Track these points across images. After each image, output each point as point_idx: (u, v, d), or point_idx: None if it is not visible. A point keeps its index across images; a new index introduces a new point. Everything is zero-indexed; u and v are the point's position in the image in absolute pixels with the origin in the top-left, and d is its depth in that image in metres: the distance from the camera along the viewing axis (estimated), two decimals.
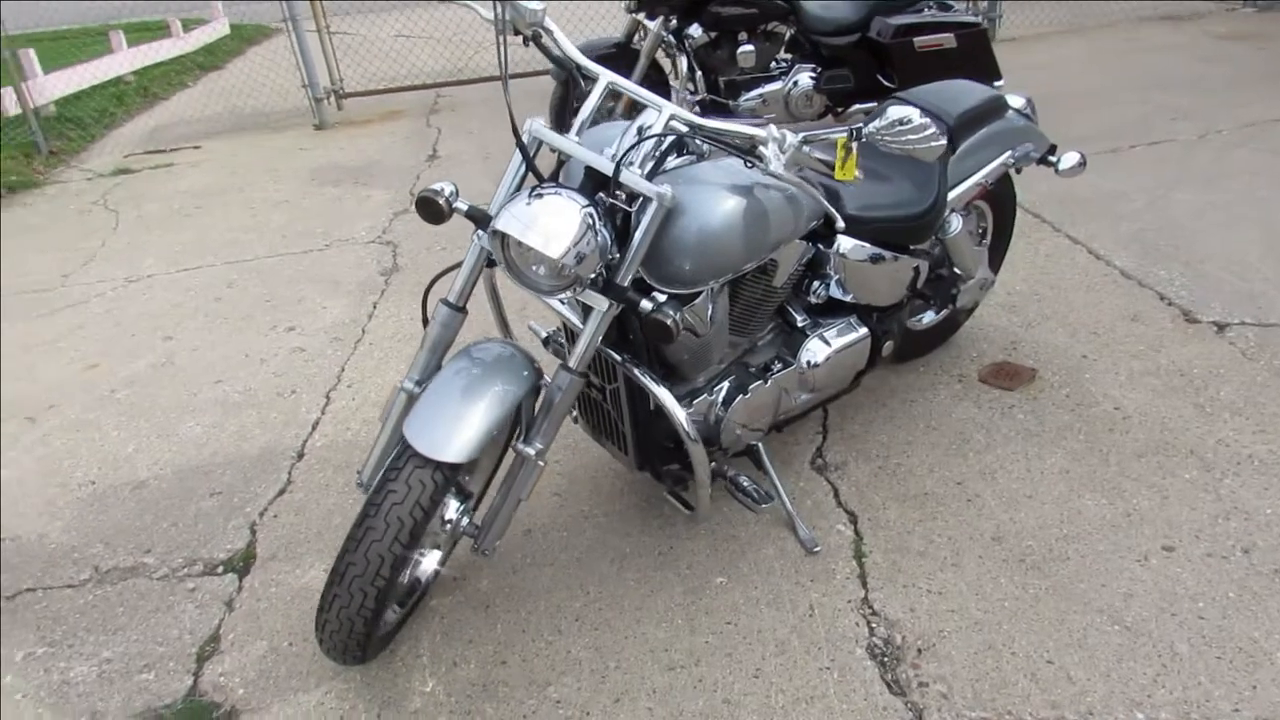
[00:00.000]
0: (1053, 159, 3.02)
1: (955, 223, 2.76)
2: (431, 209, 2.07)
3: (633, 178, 1.97)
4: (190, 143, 7.62)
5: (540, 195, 1.95)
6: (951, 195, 2.75)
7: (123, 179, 6.74)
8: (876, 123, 1.98)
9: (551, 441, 2.14)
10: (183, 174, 6.69)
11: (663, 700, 2.05)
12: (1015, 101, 2.99)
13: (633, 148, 2.04)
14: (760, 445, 2.61)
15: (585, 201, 1.97)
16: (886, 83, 5.56)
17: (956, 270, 2.97)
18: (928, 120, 1.98)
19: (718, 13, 5.30)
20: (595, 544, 2.54)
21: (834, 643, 2.16)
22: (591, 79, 2.12)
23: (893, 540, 2.46)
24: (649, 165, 2.04)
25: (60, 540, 2.76)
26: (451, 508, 2.15)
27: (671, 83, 5.54)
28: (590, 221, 1.94)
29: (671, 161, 2.12)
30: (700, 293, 2.15)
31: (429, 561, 2.21)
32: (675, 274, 2.06)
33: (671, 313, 2.00)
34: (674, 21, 5.31)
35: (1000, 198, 3.13)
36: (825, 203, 2.33)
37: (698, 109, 5.54)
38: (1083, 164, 3.01)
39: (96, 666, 2.32)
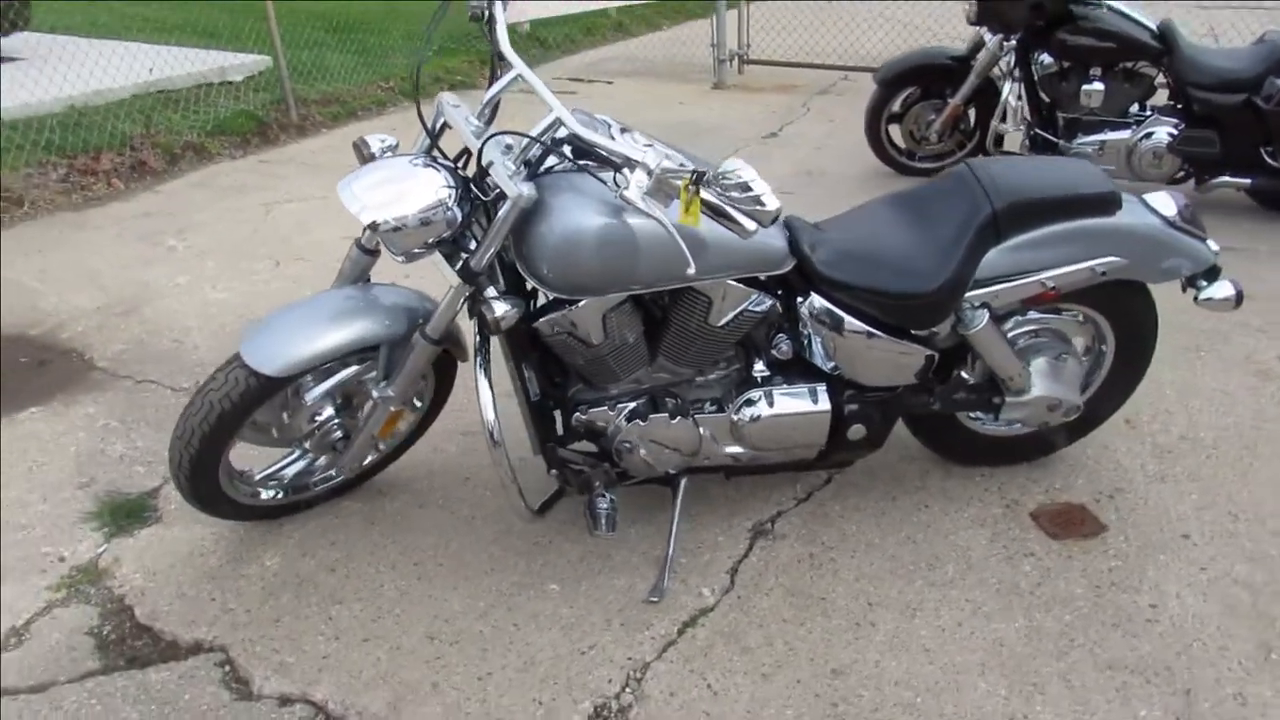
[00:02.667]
0: (1202, 283, 2.43)
1: (979, 318, 2.35)
2: (358, 155, 2.27)
3: (498, 170, 2.01)
4: (606, 77, 8.35)
5: (388, 162, 2.07)
6: (990, 289, 2.34)
7: (531, 98, 7.60)
8: (718, 170, 1.81)
9: (405, 390, 2.28)
10: (578, 103, 7.36)
11: (400, 655, 2.16)
12: (1159, 204, 2.42)
13: (532, 141, 2.05)
14: (681, 483, 2.50)
15: (444, 178, 2.04)
16: (1271, 159, 4.59)
17: (998, 376, 2.52)
18: (762, 188, 1.77)
19: (1067, 40, 4.69)
20: (478, 511, 2.63)
21: (574, 686, 2.09)
22: (507, 68, 2.15)
23: (735, 626, 2.25)
24: (523, 164, 2.04)
25: (203, 356, 3.42)
26: (323, 414, 2.37)
27: (1010, 107, 5.02)
28: (436, 196, 2.01)
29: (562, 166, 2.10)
30: (576, 302, 2.12)
31: (294, 461, 2.47)
32: (540, 276, 2.06)
33: (502, 309, 2.03)
34: (1014, 41, 4.79)
35: (1128, 314, 2.56)
36: (777, 248, 2.18)
37: (1026, 142, 5.00)
38: (1236, 300, 2.39)
39: (128, 449, 2.91)
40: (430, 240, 2.03)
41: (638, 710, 2.02)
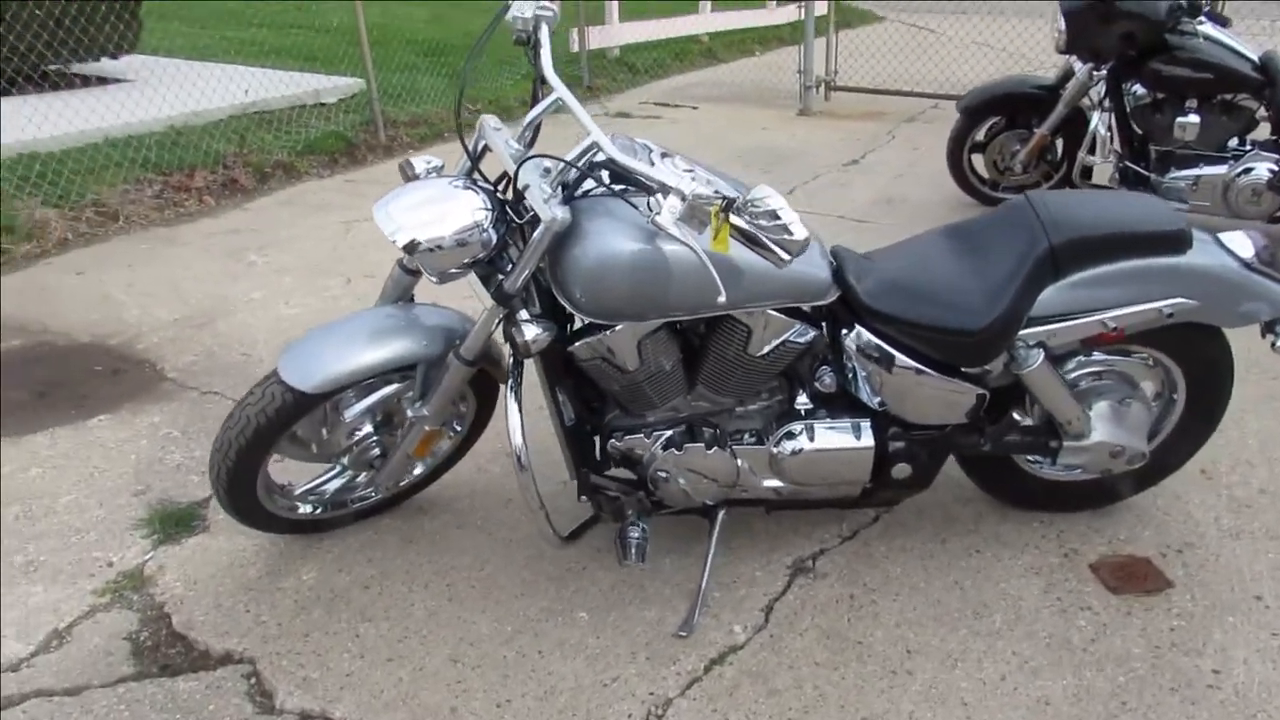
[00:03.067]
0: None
1: (1033, 358, 2.24)
2: (403, 176, 2.29)
3: (533, 193, 2.00)
4: (693, 102, 8.37)
5: (427, 183, 2.08)
6: (1046, 327, 2.23)
7: (615, 122, 7.69)
8: (747, 196, 1.77)
9: (440, 410, 2.28)
10: (657, 127, 7.44)
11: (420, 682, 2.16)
12: (1235, 244, 2.28)
13: (568, 165, 2.05)
14: (719, 515, 2.45)
15: (481, 200, 2.05)
16: None
17: (1055, 419, 2.40)
18: (790, 216, 1.72)
19: (1161, 70, 4.51)
20: (515, 534, 2.61)
21: (592, 719, 2.04)
22: (549, 91, 2.14)
23: (764, 666, 2.18)
24: (560, 187, 2.03)
25: (268, 369, 3.50)
26: (361, 431, 2.39)
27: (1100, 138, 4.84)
28: (473, 218, 2.01)
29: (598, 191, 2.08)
30: (611, 327, 2.10)
31: (334, 477, 2.49)
32: (574, 300, 2.05)
33: (532, 332, 2.02)
34: (1105, 71, 4.63)
35: (1199, 359, 2.42)
36: (815, 277, 2.14)
37: (1116, 175, 4.82)
38: None
39: (186, 458, 2.99)
40: (466, 261, 2.03)
41: None
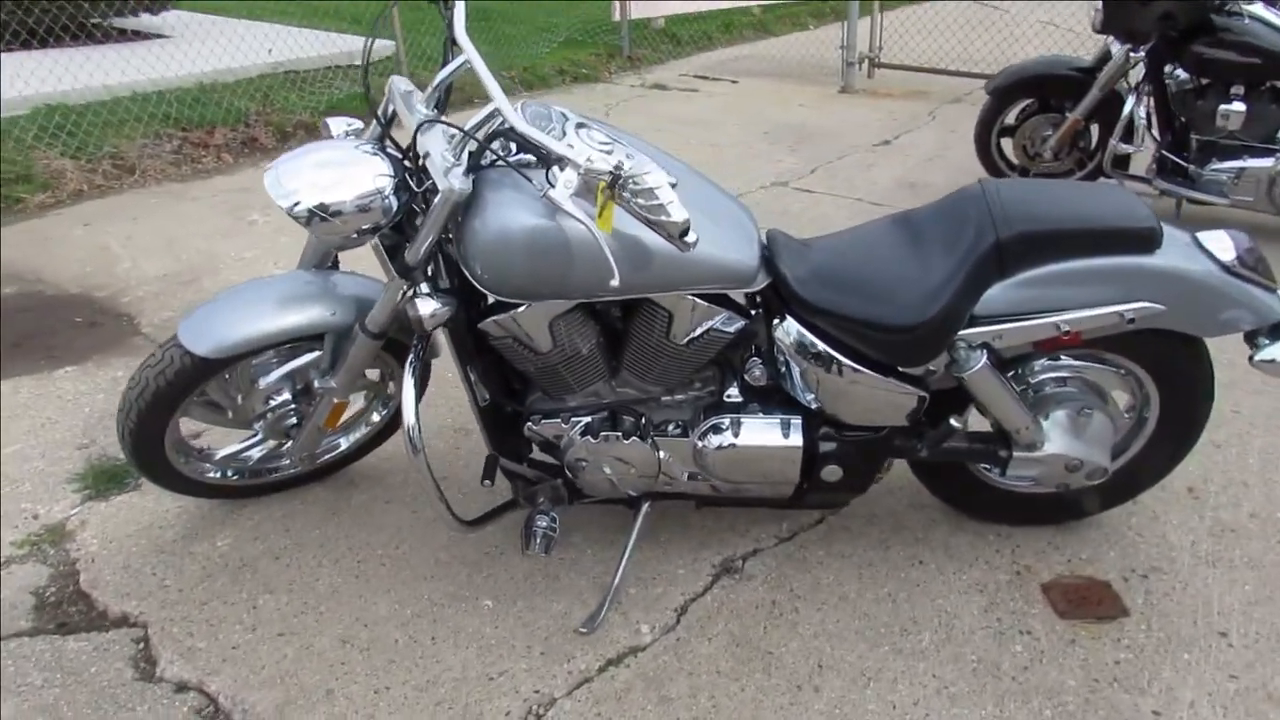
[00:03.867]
0: (1263, 341, 2.09)
1: (974, 359, 2.07)
2: (322, 135, 2.20)
3: (434, 161, 1.89)
4: (732, 76, 8.16)
5: (329, 144, 1.98)
6: (992, 328, 2.06)
7: (650, 94, 7.54)
8: (626, 171, 1.64)
9: (348, 382, 2.20)
10: (692, 100, 7.26)
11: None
12: (1216, 245, 2.08)
13: (464, 133, 1.92)
14: (643, 508, 2.33)
15: (385, 166, 1.94)
16: None
17: (1001, 427, 2.23)
18: (667, 196, 1.59)
19: (1204, 54, 4.21)
20: (416, 515, 2.53)
21: (468, 714, 1.96)
22: (459, 53, 2.02)
23: (662, 671, 2.07)
24: (467, 155, 1.92)
25: None
26: (277, 399, 2.31)
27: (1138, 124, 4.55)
28: (373, 184, 1.91)
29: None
30: (519, 305, 1.99)
31: (256, 445, 2.43)
32: (476, 276, 1.94)
33: (428, 307, 1.93)
34: (1143, 53, 4.34)
35: (1173, 370, 2.22)
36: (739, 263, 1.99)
37: (1153, 165, 4.53)
38: None
39: None
40: (365, 228, 1.93)
41: None
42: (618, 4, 8.55)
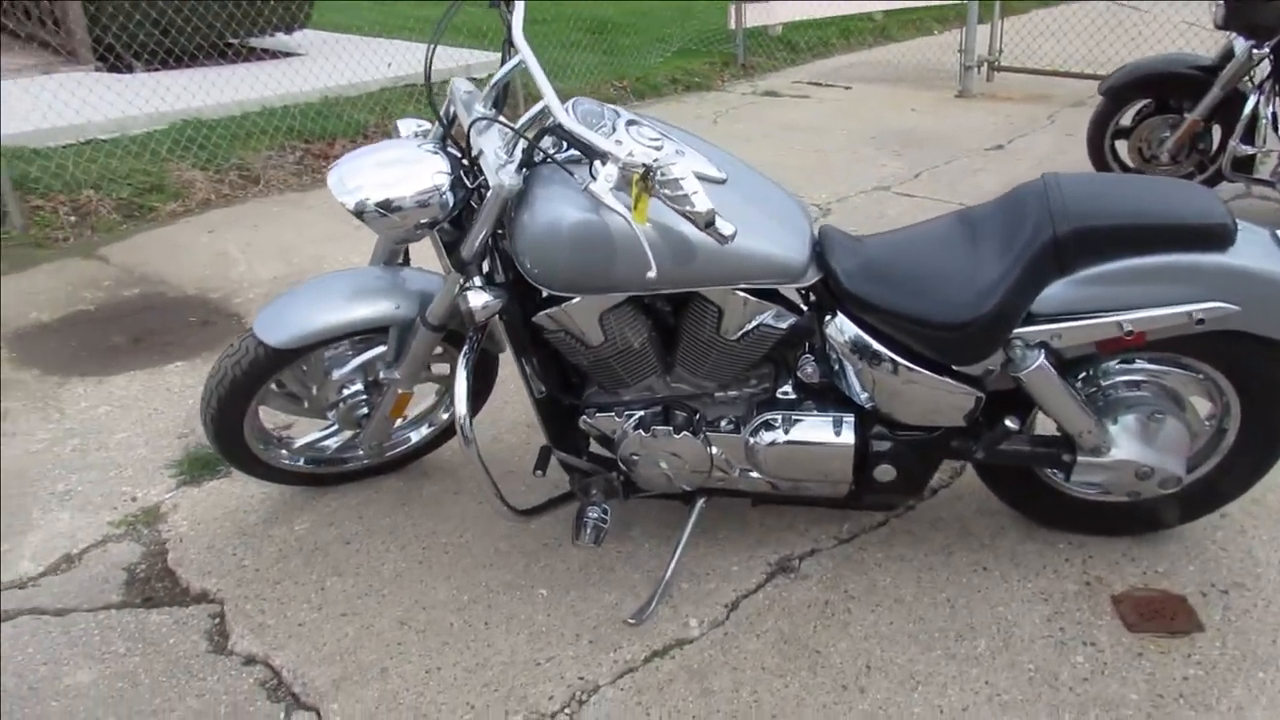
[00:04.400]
0: None
1: (1031, 359, 2.02)
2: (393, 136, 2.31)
3: (486, 158, 1.98)
4: (846, 82, 8.08)
5: (392, 144, 2.08)
6: (1050, 326, 2.00)
7: (761, 101, 7.54)
8: (655, 163, 1.68)
9: (411, 374, 2.31)
10: (802, 107, 7.23)
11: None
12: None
13: (515, 132, 1.99)
14: (698, 503, 2.36)
15: (442, 164, 2.03)
16: None
17: (1064, 430, 2.16)
18: (692, 186, 1.62)
19: None
20: (482, 506, 2.59)
21: (513, 696, 2.01)
22: (516, 55, 2.09)
23: (707, 664, 2.08)
24: (520, 152, 1.99)
25: None
26: (350, 389, 2.43)
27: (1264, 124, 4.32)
28: (431, 181, 2.00)
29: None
30: (571, 299, 2.05)
31: (334, 434, 2.56)
32: (527, 269, 2.01)
33: (479, 300, 2.01)
34: (1267, 49, 4.11)
35: (1254, 375, 2.11)
36: (772, 256, 1.99)
37: (1277, 168, 4.29)
38: None
39: None
40: (420, 224, 2.02)
41: None
42: (733, 11, 8.57)
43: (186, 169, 5.37)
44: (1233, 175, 4.31)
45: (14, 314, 3.83)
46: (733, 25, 8.71)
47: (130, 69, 6.64)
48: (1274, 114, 4.22)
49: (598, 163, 1.77)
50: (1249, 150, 4.19)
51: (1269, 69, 4.16)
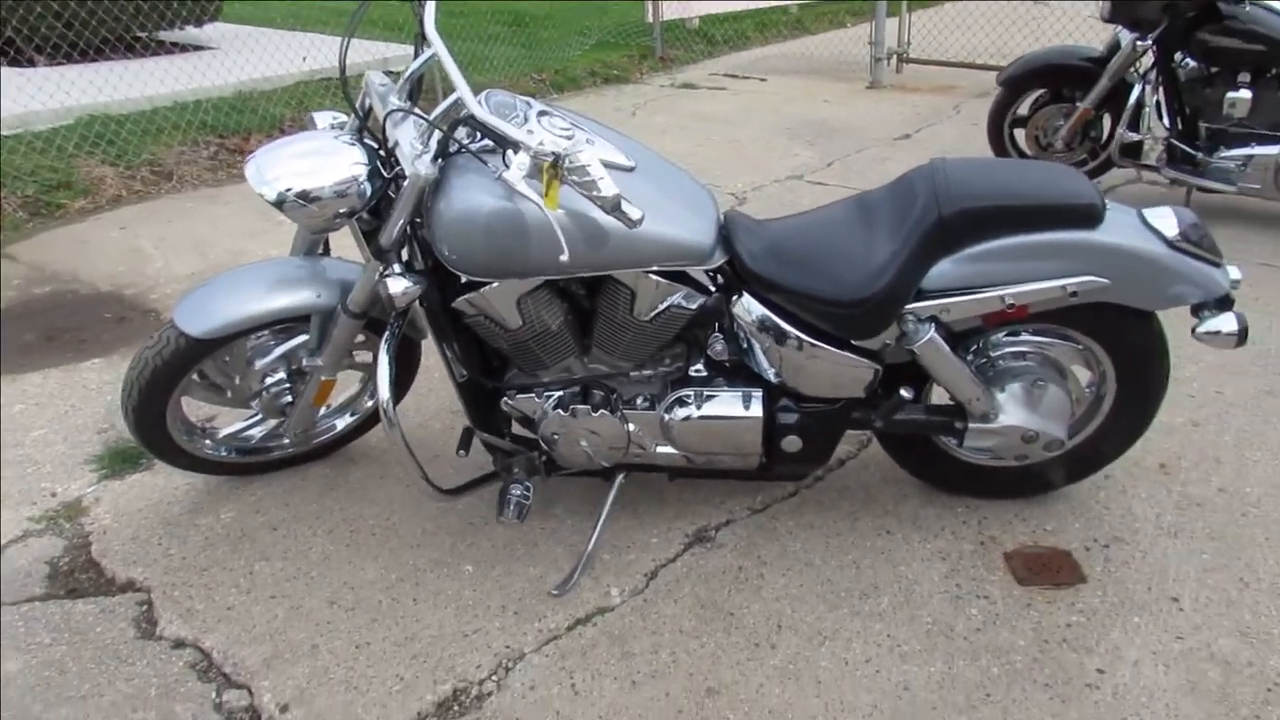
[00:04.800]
0: (1205, 314, 2.15)
1: (922, 332, 2.16)
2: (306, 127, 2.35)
3: (402, 148, 2.04)
4: (761, 74, 8.25)
5: (309, 135, 2.13)
6: (939, 301, 2.14)
7: (678, 93, 7.65)
8: (564, 151, 1.77)
9: (334, 361, 2.36)
10: (719, 98, 7.37)
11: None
12: (1160, 221, 2.14)
13: (429, 123, 2.05)
14: (617, 479, 2.45)
15: (359, 154, 2.09)
16: None
17: (955, 398, 2.31)
18: (599, 172, 1.71)
19: (1209, 41, 4.22)
20: (408, 489, 2.66)
21: (442, 667, 2.09)
22: (428, 48, 2.16)
23: (628, 629, 2.18)
24: (435, 142, 2.05)
25: None
26: (272, 378, 2.47)
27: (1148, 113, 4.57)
28: (348, 171, 2.06)
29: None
30: (487, 284, 2.12)
31: (258, 424, 2.59)
32: (445, 255, 2.07)
33: (399, 286, 2.07)
34: (1150, 41, 4.35)
35: (1126, 344, 2.28)
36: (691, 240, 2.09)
37: (1163, 154, 4.54)
38: (1239, 338, 2.10)
39: None
40: (339, 213, 2.07)
41: (494, 700, 2.00)
42: (650, 5, 8.67)
43: (96, 165, 5.28)
44: (1121, 161, 4.56)
45: None
46: (650, 19, 8.82)
47: (32, 63, 6.47)
48: (1158, 102, 4.47)
49: (510, 152, 1.85)
50: (1135, 137, 4.43)
51: (1152, 60, 4.40)
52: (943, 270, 2.11)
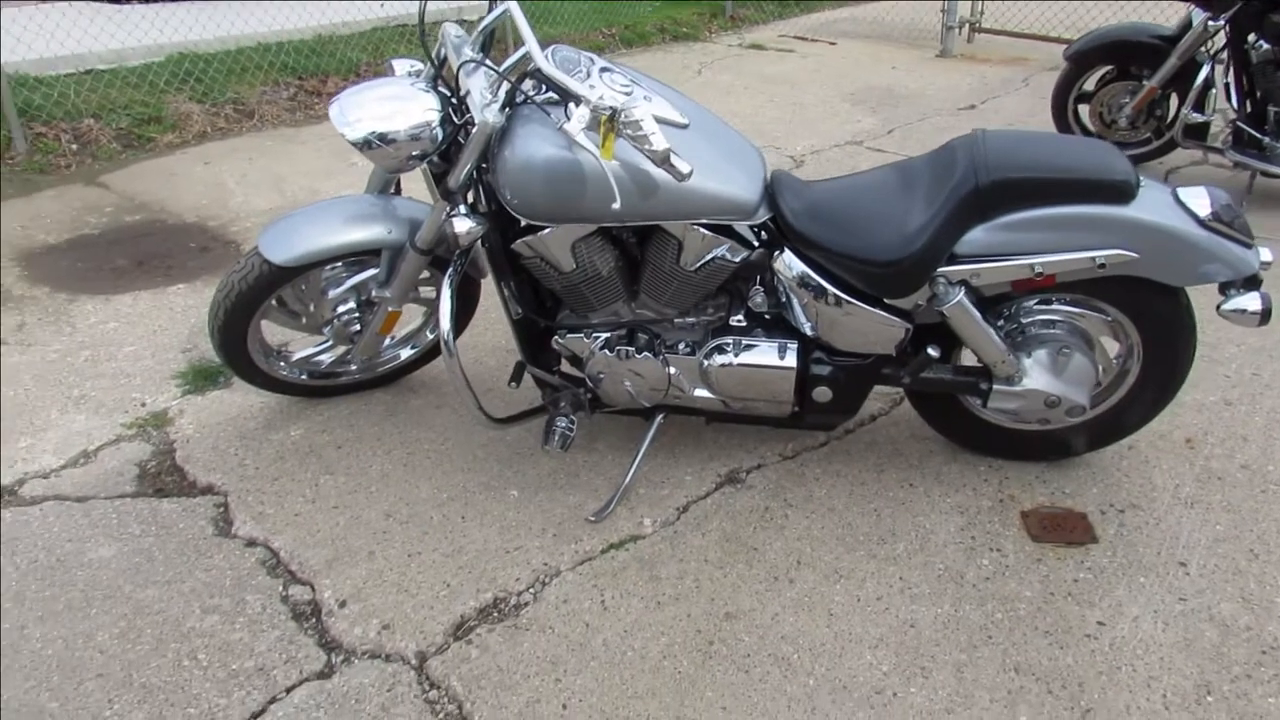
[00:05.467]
0: (1232, 293, 2.24)
1: (952, 294, 2.27)
2: (388, 74, 2.52)
3: (473, 97, 2.20)
4: (831, 38, 8.24)
5: (388, 81, 2.29)
6: (970, 266, 2.25)
7: (746, 53, 7.70)
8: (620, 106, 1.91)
9: (401, 293, 2.55)
10: (785, 60, 7.41)
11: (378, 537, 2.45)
12: (1193, 200, 2.22)
13: (498, 74, 2.20)
14: (657, 419, 2.62)
15: (433, 101, 2.25)
16: None
17: (981, 360, 2.42)
18: (651, 128, 1.85)
19: None
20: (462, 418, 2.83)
21: (484, 578, 2.28)
22: (501, 1, 2.30)
23: (657, 555, 2.35)
24: (504, 93, 2.21)
25: None
26: (344, 307, 2.67)
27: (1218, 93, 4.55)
28: (423, 116, 2.22)
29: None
30: (544, 228, 2.28)
31: (328, 350, 2.80)
32: (507, 200, 2.24)
33: (464, 226, 2.24)
34: (1222, 21, 4.33)
35: (1153, 318, 2.37)
36: (719, 193, 2.21)
37: (1229, 136, 4.53)
38: (1262, 317, 2.18)
39: None
40: (415, 154, 2.24)
41: (530, 609, 2.19)
42: None
43: (184, 101, 5.53)
44: (1185, 142, 4.55)
45: (21, 236, 4.04)
46: None
47: (126, 0, 6.74)
48: (1227, 84, 4.44)
49: (571, 104, 2.00)
50: (1200, 118, 4.42)
51: (1224, 40, 4.37)
52: (976, 237, 2.21)
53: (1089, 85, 4.95)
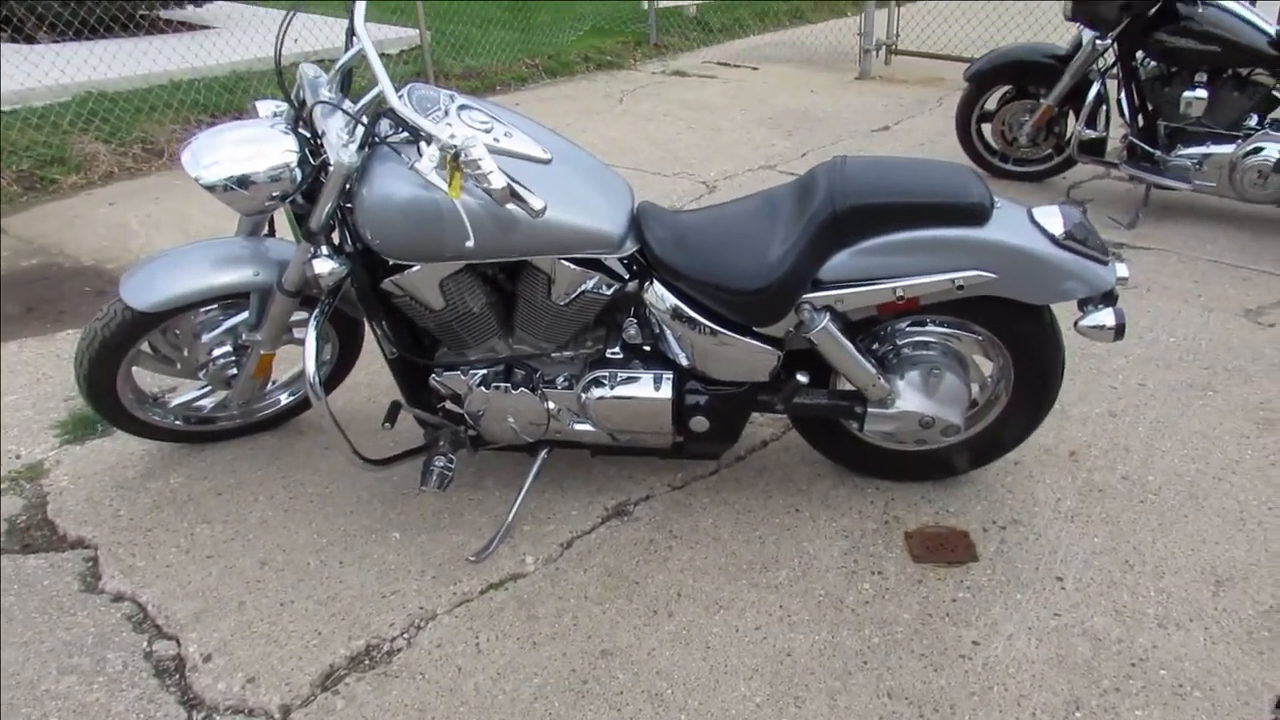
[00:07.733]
0: (1088, 309, 2.27)
1: (818, 320, 2.28)
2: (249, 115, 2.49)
3: (329, 138, 2.17)
4: (753, 63, 8.33)
5: (246, 124, 2.26)
6: (834, 292, 2.26)
7: (668, 80, 7.75)
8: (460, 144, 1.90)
9: (272, 336, 2.50)
10: (707, 87, 7.47)
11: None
12: (1046, 220, 2.25)
13: (350, 115, 2.18)
14: (540, 454, 2.59)
15: (292, 142, 2.23)
16: None
17: (852, 384, 2.43)
18: (489, 166, 1.84)
19: (1166, 41, 4.31)
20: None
21: (358, 624, 2.23)
22: (357, 42, 2.29)
23: (536, 594, 2.32)
24: (358, 133, 2.18)
25: None
26: (218, 350, 2.62)
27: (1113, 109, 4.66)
28: (280, 159, 2.20)
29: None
30: (411, 267, 2.25)
31: (208, 395, 2.75)
32: (369, 239, 2.21)
33: (326, 266, 2.21)
34: (1109, 40, 4.44)
35: (1020, 336, 2.39)
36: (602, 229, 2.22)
37: (1123, 151, 4.63)
38: (1116, 332, 2.22)
39: None
40: (271, 197, 2.21)
41: (402, 655, 2.14)
42: None
43: (89, 141, 5.44)
44: (1081, 157, 4.65)
45: None
46: (645, 4, 8.90)
47: (33, 40, 6.63)
48: (1118, 100, 4.56)
49: (424, 143, 1.99)
50: (1092, 134, 4.52)
51: (1113, 58, 4.49)
52: (839, 263, 2.23)
53: (990, 105, 5.04)
